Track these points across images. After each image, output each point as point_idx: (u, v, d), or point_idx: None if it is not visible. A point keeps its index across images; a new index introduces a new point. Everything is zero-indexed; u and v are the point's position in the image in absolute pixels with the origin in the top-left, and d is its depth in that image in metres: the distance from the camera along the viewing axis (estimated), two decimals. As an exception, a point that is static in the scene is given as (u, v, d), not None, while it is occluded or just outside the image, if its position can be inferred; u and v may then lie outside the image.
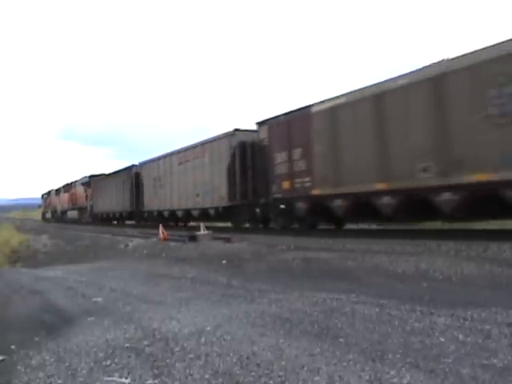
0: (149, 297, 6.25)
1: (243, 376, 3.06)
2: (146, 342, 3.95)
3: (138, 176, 25.43)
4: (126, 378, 3.18)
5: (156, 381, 3.09)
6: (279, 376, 3.02)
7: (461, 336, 3.70)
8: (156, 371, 3.25)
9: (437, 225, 12.20)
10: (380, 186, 10.67)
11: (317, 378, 2.95)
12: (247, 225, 16.76)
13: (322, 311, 4.78)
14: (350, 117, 11.59)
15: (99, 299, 6.21)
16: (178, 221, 21.26)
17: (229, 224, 17.18)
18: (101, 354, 3.70)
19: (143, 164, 25.26)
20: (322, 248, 10.14)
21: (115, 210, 28.81)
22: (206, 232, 14.57)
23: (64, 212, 44.29)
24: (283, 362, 3.27)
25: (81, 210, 37.84)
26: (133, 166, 26.52)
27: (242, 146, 15.83)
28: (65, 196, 43.43)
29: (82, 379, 3.21)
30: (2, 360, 3.80)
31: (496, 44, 8.68)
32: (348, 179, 11.56)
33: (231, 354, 3.50)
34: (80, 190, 37.50)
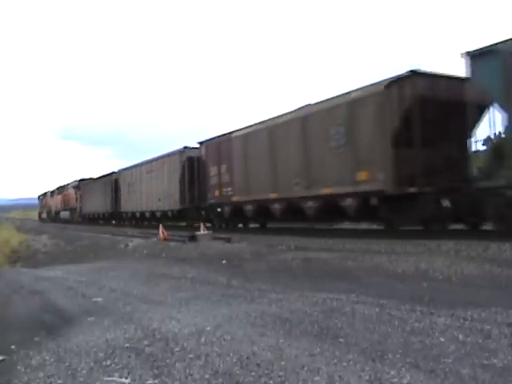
0: (149, 297, 6.25)
1: (243, 376, 3.06)
2: (146, 342, 3.95)
3: (116, 182, 29.23)
4: (126, 378, 3.18)
5: (156, 381, 3.09)
6: (279, 376, 3.02)
7: (461, 336, 3.70)
8: (156, 371, 3.25)
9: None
10: (273, 196, 14.47)
11: (317, 378, 2.95)
12: (196, 224, 19.76)
13: (322, 311, 4.78)
14: (255, 143, 15.41)
15: (99, 299, 6.21)
16: (147, 221, 25.08)
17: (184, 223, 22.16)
18: (101, 354, 3.69)
19: (121, 171, 29.02)
20: (321, 248, 10.14)
21: (99, 211, 32.58)
22: (206, 232, 14.59)
23: (57, 212, 47.45)
24: (283, 362, 3.27)
25: (72, 210, 41.12)
26: (113, 172, 30.46)
27: (191, 160, 19.80)
28: (58, 198, 46.68)
29: (82, 379, 3.21)
30: (2, 360, 3.80)
31: (336, 96, 12.49)
32: (254, 190, 15.33)
33: (231, 354, 3.50)
34: (71, 192, 40.89)
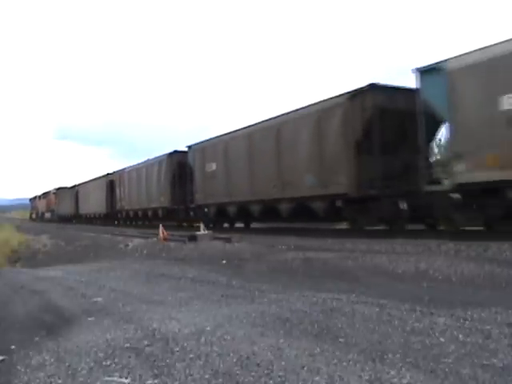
0: (149, 297, 6.26)
1: (243, 376, 3.06)
2: (146, 342, 3.95)
3: (77, 192, 41.34)
4: (126, 378, 3.18)
5: (156, 381, 3.09)
6: (279, 376, 3.02)
7: (461, 336, 3.70)
8: (156, 371, 3.25)
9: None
10: (138, 207, 26.46)
11: (317, 378, 2.95)
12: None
13: (322, 311, 4.78)
14: (132, 177, 27.16)
15: (99, 299, 6.21)
16: (93, 219, 37.45)
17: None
18: (101, 354, 3.69)
19: (80, 185, 41.56)
20: (321, 248, 10.14)
21: (67, 213, 44.68)
22: (206, 232, 14.58)
23: (43, 213, 58.41)
24: (283, 362, 3.27)
25: (52, 212, 52.37)
26: (75, 185, 42.86)
27: (111, 182, 31.57)
28: (43, 201, 57.86)
29: (81, 379, 3.21)
30: (2, 360, 3.80)
31: (157, 157, 23.92)
32: (132, 203, 27.32)
33: (231, 354, 3.50)
34: (52, 197, 51.68)
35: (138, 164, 26.82)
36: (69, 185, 47.53)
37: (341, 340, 3.77)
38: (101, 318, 5.03)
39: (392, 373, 2.98)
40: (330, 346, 3.59)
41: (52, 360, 3.67)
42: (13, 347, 4.11)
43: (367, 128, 11.50)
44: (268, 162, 14.76)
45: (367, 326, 4.12)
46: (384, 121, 11.34)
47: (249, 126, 16.32)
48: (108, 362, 3.50)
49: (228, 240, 13.23)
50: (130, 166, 28.14)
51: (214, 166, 17.97)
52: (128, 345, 3.92)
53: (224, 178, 17.29)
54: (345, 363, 3.21)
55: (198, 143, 19.62)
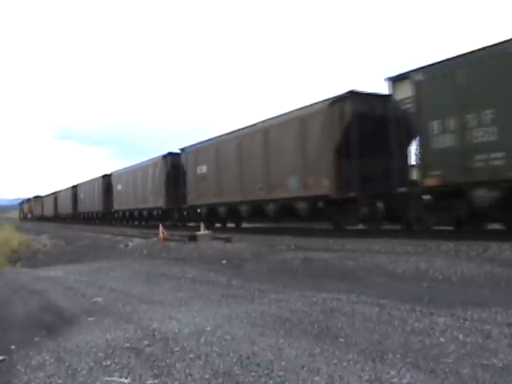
0: (149, 297, 6.25)
1: (243, 376, 3.06)
2: (146, 342, 3.95)
3: (43, 201, 59.55)
4: (126, 378, 3.17)
5: (156, 381, 3.09)
6: (279, 376, 3.02)
7: (461, 336, 3.70)
8: (156, 371, 3.25)
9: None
10: (64, 212, 47.20)
11: (317, 378, 2.95)
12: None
13: (322, 311, 4.78)
14: (63, 196, 47.29)
15: (99, 299, 6.21)
16: (49, 219, 54.80)
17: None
18: (101, 354, 3.69)
19: (45, 196, 58.95)
20: (321, 248, 10.14)
21: (39, 214, 61.13)
22: (206, 232, 14.59)
23: (27, 214, 77.92)
24: (283, 362, 3.27)
25: (32, 213, 70.16)
26: (43, 195, 61.56)
27: (55, 198, 52.03)
28: (27, 205, 77.60)
29: (81, 379, 3.21)
30: (2, 360, 3.80)
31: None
32: (62, 210, 48.48)
33: (231, 354, 3.50)
34: (32, 203, 69.79)
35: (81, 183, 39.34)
36: (69, 185, 62.19)
37: (341, 340, 3.77)
38: (101, 318, 5.03)
39: (392, 373, 2.98)
40: (330, 346, 3.59)
41: (52, 360, 3.67)
42: (13, 347, 4.11)
43: None
44: None
45: (367, 326, 4.12)
46: None
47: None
48: (108, 362, 3.50)
49: (228, 240, 13.23)
50: (60, 190, 46.85)
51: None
52: (128, 345, 3.92)
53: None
54: (345, 363, 3.21)
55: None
